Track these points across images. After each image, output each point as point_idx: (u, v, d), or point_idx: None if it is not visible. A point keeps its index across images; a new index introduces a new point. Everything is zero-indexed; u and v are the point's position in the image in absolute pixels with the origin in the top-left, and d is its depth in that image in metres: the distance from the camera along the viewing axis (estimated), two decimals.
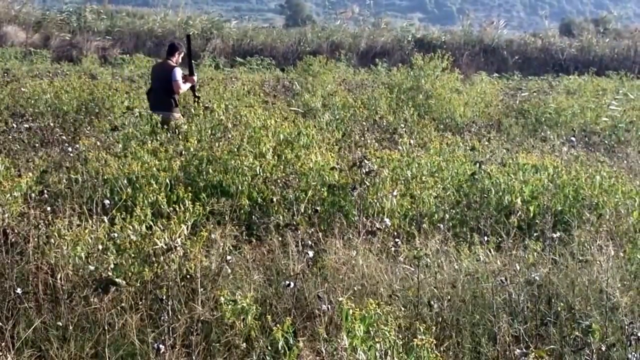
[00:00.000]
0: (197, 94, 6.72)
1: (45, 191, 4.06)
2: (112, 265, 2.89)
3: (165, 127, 5.72)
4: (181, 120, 6.00)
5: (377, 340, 2.32)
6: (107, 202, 3.88)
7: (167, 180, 4.25)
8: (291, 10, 44.68)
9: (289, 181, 4.38)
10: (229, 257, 3.27)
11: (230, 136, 5.25)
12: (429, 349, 2.29)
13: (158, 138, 5.35)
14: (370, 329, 2.35)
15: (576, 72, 18.12)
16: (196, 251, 2.95)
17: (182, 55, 6.64)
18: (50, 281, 3.06)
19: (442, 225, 3.98)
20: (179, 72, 6.44)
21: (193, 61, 6.75)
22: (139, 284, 2.92)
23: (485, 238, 3.75)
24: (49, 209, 3.74)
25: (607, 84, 14.20)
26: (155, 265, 2.92)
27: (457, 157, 5.26)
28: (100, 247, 3.05)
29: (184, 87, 6.51)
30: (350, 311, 2.35)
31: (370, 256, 3.45)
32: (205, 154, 4.73)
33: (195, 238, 3.02)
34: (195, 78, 6.69)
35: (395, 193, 4.23)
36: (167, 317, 2.76)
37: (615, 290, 2.99)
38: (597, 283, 3.12)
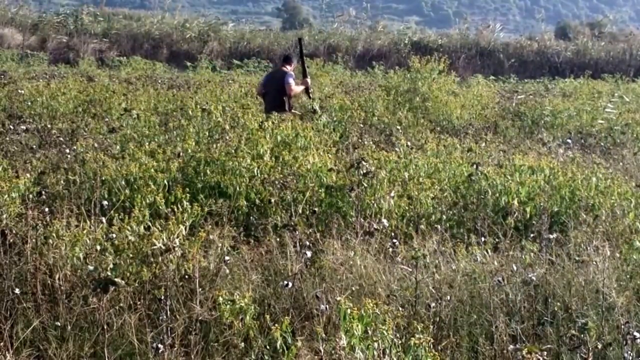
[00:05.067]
0: (311, 96, 7.43)
1: (43, 192, 4.06)
2: (110, 266, 2.89)
3: None
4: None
5: (375, 339, 2.32)
6: (105, 203, 3.89)
7: (165, 182, 4.25)
8: (288, 13, 44.76)
9: (286, 182, 4.39)
10: (227, 258, 3.28)
11: (227, 138, 5.26)
12: (427, 348, 2.30)
13: None
14: (368, 328, 2.36)
15: (572, 75, 18.22)
16: (194, 252, 2.96)
17: (294, 64, 7.30)
18: (49, 281, 3.06)
19: (439, 226, 3.99)
20: (291, 76, 7.02)
21: (306, 64, 7.37)
22: (137, 284, 2.92)
23: (483, 239, 3.77)
24: (47, 209, 3.74)
25: (603, 87, 14.28)
26: (154, 265, 2.92)
27: (454, 158, 5.28)
28: (98, 247, 3.04)
29: (297, 89, 7.11)
30: (349, 311, 2.36)
31: (368, 257, 3.46)
32: (203, 155, 4.74)
33: (193, 239, 3.02)
34: (308, 80, 7.29)
35: (392, 194, 4.25)
36: (165, 317, 2.77)
37: (611, 290, 3.00)
38: (594, 283, 3.14)
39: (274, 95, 6.99)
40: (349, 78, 16.57)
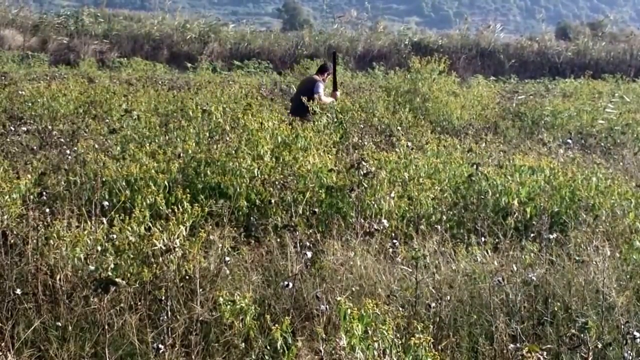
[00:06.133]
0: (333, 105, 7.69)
1: (44, 193, 4.07)
2: (111, 266, 2.90)
3: None
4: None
5: (375, 339, 2.33)
6: (105, 203, 3.90)
7: (166, 182, 4.26)
8: (288, 14, 44.78)
9: (287, 183, 4.39)
10: (227, 258, 3.29)
11: (228, 138, 5.27)
12: (427, 348, 2.30)
13: None
14: (369, 328, 2.36)
15: (572, 75, 18.22)
16: (195, 252, 2.96)
17: (329, 75, 7.45)
18: (50, 282, 3.06)
19: (439, 227, 4.00)
20: (321, 86, 7.24)
21: (337, 78, 7.65)
22: (138, 285, 2.93)
23: (483, 239, 3.77)
24: (47, 210, 3.74)
25: (603, 87, 14.27)
26: (154, 266, 2.92)
27: (454, 159, 5.28)
28: (99, 248, 3.05)
29: (325, 100, 7.28)
30: (349, 311, 2.36)
31: (368, 257, 3.47)
32: (203, 156, 4.75)
33: (193, 239, 3.03)
34: (337, 94, 7.57)
35: (392, 194, 4.25)
36: (166, 318, 2.77)
37: (611, 290, 3.01)
38: (594, 283, 3.15)
39: (300, 100, 7.16)
40: (349, 79, 16.58)
